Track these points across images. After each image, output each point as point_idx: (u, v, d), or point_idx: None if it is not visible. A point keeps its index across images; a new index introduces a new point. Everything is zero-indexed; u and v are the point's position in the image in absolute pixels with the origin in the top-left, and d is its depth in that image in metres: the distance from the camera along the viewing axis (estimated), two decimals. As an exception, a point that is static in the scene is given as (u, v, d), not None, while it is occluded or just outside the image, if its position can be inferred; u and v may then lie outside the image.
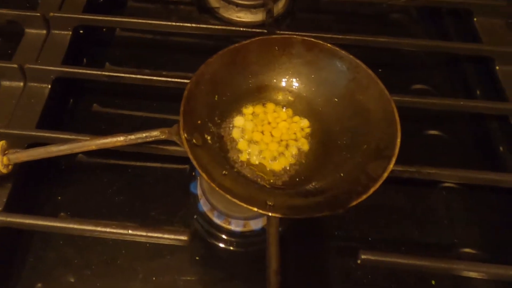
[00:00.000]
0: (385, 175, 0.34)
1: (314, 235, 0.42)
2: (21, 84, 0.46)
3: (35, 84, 0.46)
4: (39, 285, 0.38)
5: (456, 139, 0.50)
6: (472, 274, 0.37)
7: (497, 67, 0.51)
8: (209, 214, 0.42)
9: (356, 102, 0.40)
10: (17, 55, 0.49)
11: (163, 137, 0.37)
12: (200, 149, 0.37)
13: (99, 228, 0.35)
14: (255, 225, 0.41)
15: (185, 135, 0.35)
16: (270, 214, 0.33)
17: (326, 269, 0.40)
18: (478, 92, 0.53)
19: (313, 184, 0.38)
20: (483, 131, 0.50)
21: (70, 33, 0.51)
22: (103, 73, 0.46)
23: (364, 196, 0.33)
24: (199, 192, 0.43)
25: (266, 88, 0.43)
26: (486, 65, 0.52)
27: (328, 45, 0.41)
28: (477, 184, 0.43)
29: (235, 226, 0.41)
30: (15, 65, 0.45)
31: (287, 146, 0.41)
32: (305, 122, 0.42)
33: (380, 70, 0.55)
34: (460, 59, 0.56)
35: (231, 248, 0.41)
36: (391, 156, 0.35)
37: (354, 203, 0.33)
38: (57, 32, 0.51)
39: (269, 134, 0.41)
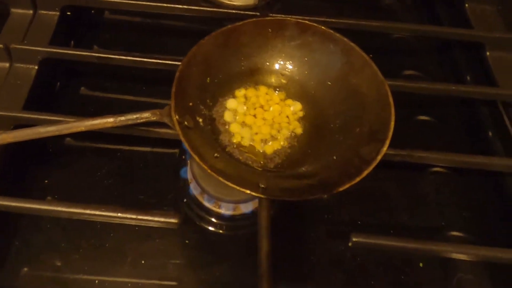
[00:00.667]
0: (379, 157, 0.34)
1: (304, 218, 0.42)
2: (7, 65, 0.45)
3: (21, 65, 0.45)
4: (26, 269, 0.38)
5: (446, 124, 0.50)
6: (461, 256, 0.38)
7: (488, 53, 0.51)
8: (199, 198, 0.41)
9: (350, 85, 0.40)
10: (2, 35, 0.48)
11: (154, 118, 0.36)
12: (191, 131, 0.37)
13: (88, 211, 0.35)
14: (246, 208, 0.41)
15: (177, 117, 0.35)
16: (262, 196, 0.33)
17: (315, 252, 0.40)
18: (468, 78, 0.53)
19: (306, 166, 0.38)
20: (473, 116, 0.50)
21: (58, 13, 0.50)
22: (93, 54, 0.46)
23: (358, 179, 0.33)
24: (189, 175, 0.42)
25: (259, 71, 0.43)
26: (477, 51, 0.52)
27: (322, 27, 0.41)
28: (465, 169, 0.44)
29: (225, 210, 0.41)
30: (1, 45, 0.44)
31: (279, 129, 0.40)
32: (297, 106, 0.42)
33: (371, 55, 0.56)
34: (451, 45, 0.56)
35: (221, 231, 0.41)
36: (385, 139, 0.35)
37: (348, 185, 0.33)
38: (44, 12, 0.50)
39: (262, 117, 0.41)
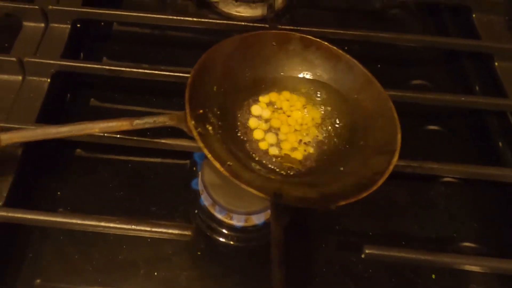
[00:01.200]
0: (391, 167, 0.35)
1: (315, 230, 0.42)
2: (20, 78, 0.46)
3: (34, 78, 0.46)
4: (39, 280, 0.38)
5: (455, 134, 0.50)
6: (474, 268, 0.37)
7: (496, 63, 0.51)
8: (211, 209, 0.42)
9: (351, 100, 0.41)
10: (15, 49, 0.48)
11: (171, 123, 0.36)
12: (205, 138, 0.37)
13: (102, 223, 0.35)
14: (257, 219, 0.41)
15: (193, 122, 0.35)
16: (276, 200, 0.33)
17: (327, 263, 0.40)
18: (477, 88, 0.53)
19: (313, 176, 0.38)
20: (482, 126, 0.50)
21: (69, 26, 0.50)
22: (104, 67, 0.46)
23: (373, 188, 0.34)
24: (200, 187, 0.42)
25: (263, 82, 0.43)
26: (485, 62, 0.53)
27: (326, 43, 0.42)
28: (477, 179, 0.44)
29: (237, 221, 0.41)
30: (14, 59, 0.45)
31: (305, 135, 0.41)
32: (317, 113, 0.42)
33: (379, 65, 0.56)
34: (459, 56, 0.56)
35: (233, 243, 0.41)
36: (394, 150, 0.36)
37: (362, 196, 0.33)
38: (55, 25, 0.50)
39: (286, 123, 0.42)
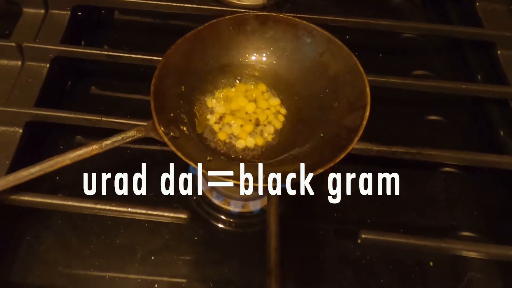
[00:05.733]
0: (364, 123, 0.35)
1: (313, 217, 0.42)
2: (19, 63, 0.46)
3: (33, 63, 0.46)
4: (36, 264, 0.38)
5: (456, 124, 0.50)
6: (472, 254, 0.37)
7: (499, 52, 0.50)
8: (208, 195, 0.42)
9: (318, 64, 0.41)
10: (15, 34, 0.48)
11: (140, 135, 0.36)
12: (179, 140, 0.36)
13: (98, 206, 0.35)
14: (254, 206, 0.41)
15: (162, 128, 0.35)
16: (265, 185, 0.33)
17: (324, 250, 0.40)
18: (479, 77, 0.52)
19: (296, 150, 0.39)
20: (483, 116, 0.50)
21: (69, 13, 0.50)
22: (102, 52, 0.46)
23: (350, 147, 0.33)
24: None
25: (229, 69, 0.43)
26: (487, 50, 0.52)
27: (280, 15, 0.42)
28: (476, 168, 0.43)
29: (234, 207, 0.41)
30: (13, 44, 0.45)
31: (262, 125, 0.41)
32: (276, 101, 0.42)
33: (380, 55, 0.56)
34: (461, 44, 0.56)
35: (230, 228, 0.41)
36: (365, 105, 0.36)
37: (342, 156, 0.33)
38: (55, 11, 0.50)
39: (243, 115, 0.41)
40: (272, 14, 0.42)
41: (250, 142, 0.40)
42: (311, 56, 0.41)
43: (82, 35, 0.54)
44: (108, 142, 0.35)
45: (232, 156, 0.39)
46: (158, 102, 0.36)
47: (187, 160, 0.33)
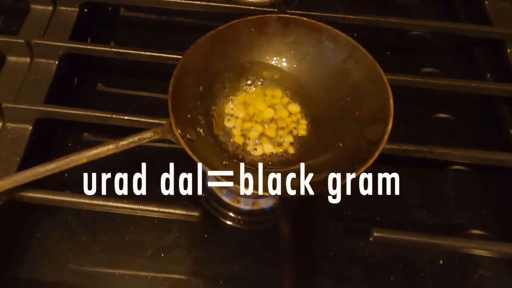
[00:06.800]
0: (386, 136, 0.34)
1: (323, 215, 0.42)
2: (28, 60, 0.46)
3: (42, 60, 0.46)
4: (46, 261, 0.38)
5: (465, 122, 0.50)
6: (482, 253, 0.37)
7: (508, 50, 0.50)
8: (218, 192, 0.42)
9: (340, 71, 0.40)
10: (23, 31, 0.48)
11: (156, 137, 0.35)
12: (195, 143, 0.36)
13: (110, 203, 0.35)
14: (265, 203, 0.41)
15: (179, 131, 0.34)
16: (281, 195, 0.33)
17: (335, 248, 0.40)
18: (488, 75, 0.52)
19: (314, 159, 0.38)
20: (493, 114, 0.50)
21: (77, 10, 0.50)
22: (112, 49, 0.46)
23: (370, 161, 0.33)
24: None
25: (249, 71, 0.43)
26: (497, 48, 0.52)
27: (304, 18, 0.41)
28: (485, 166, 0.43)
29: (244, 205, 0.41)
30: (22, 40, 0.45)
31: (283, 132, 0.40)
32: (296, 107, 0.42)
33: (388, 53, 0.56)
34: (470, 43, 0.55)
35: (240, 226, 0.41)
36: (388, 117, 0.34)
37: (362, 170, 0.32)
38: (63, 8, 0.50)
39: (261, 120, 0.41)
40: (295, 17, 0.41)
41: (267, 149, 0.39)
42: (333, 62, 0.40)
43: (88, 32, 0.54)
44: (125, 142, 0.35)
45: (246, 161, 0.38)
46: (175, 103, 0.35)
47: (202, 165, 0.33)
